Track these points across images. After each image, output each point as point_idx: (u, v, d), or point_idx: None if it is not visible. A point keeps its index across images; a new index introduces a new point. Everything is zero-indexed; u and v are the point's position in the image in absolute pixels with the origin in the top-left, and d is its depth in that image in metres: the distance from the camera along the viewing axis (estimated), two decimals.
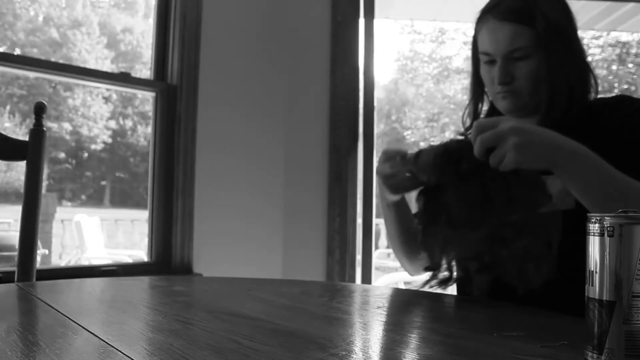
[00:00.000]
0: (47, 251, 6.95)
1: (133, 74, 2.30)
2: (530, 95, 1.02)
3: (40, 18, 11.86)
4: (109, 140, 12.28)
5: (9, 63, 2.06)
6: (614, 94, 1.07)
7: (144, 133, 12.07)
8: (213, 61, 2.37)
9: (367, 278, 2.56)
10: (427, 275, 0.95)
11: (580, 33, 1.04)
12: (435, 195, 0.88)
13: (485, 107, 1.18)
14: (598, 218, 0.53)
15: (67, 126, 11.90)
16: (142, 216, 6.60)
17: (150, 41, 2.41)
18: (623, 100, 1.01)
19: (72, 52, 11.67)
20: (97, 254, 7.00)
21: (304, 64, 2.60)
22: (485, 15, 1.04)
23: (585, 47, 1.05)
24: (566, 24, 1.01)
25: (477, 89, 1.15)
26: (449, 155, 0.84)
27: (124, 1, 12.70)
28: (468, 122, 1.18)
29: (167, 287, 1.11)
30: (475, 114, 1.17)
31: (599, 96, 1.06)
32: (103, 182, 13.09)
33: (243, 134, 2.47)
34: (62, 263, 7.21)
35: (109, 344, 0.60)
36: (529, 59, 0.99)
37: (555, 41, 0.98)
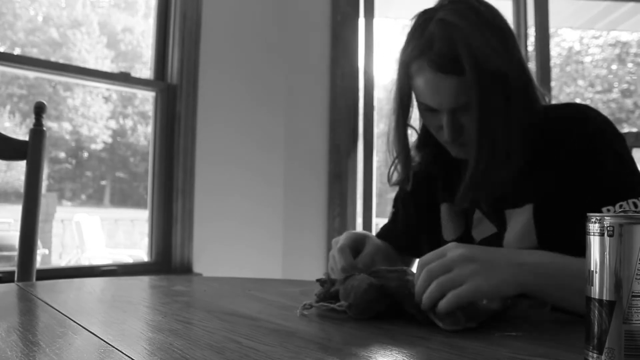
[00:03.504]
0: (47, 251, 6.95)
1: (133, 74, 2.30)
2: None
3: (40, 18, 11.86)
4: (109, 140, 12.28)
5: (9, 63, 2.06)
6: (566, 102, 0.99)
7: (144, 133, 12.07)
8: (213, 61, 2.38)
9: None
10: None
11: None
12: None
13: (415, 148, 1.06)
14: (598, 218, 0.53)
15: (67, 126, 11.90)
16: (142, 216, 6.60)
17: (150, 41, 2.41)
18: (578, 119, 0.92)
19: (72, 52, 11.67)
20: (97, 254, 7.00)
21: (304, 64, 2.60)
22: (417, 61, 0.91)
23: (523, 49, 0.96)
24: (502, 51, 0.89)
25: (404, 139, 1.00)
26: (375, 293, 0.77)
27: (124, 1, 12.69)
28: (395, 178, 1.04)
29: (167, 287, 1.11)
30: (407, 171, 1.02)
31: (556, 102, 1.00)
32: (103, 182, 13.09)
33: (243, 134, 2.47)
34: (62, 263, 7.22)
35: (109, 344, 0.60)
36: (472, 109, 0.89)
37: (491, 88, 0.87)
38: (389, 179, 1.05)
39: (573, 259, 0.77)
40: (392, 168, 1.03)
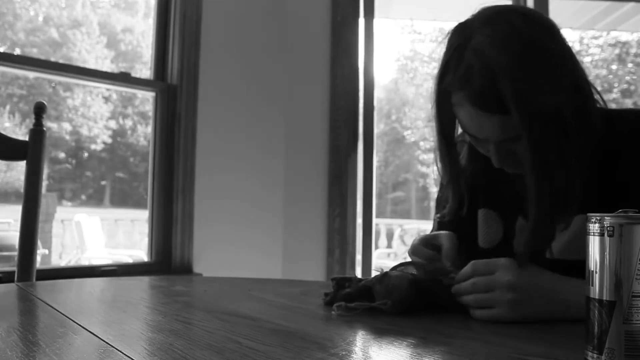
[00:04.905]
0: (47, 251, 6.94)
1: (133, 74, 2.30)
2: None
3: (40, 18, 11.85)
4: (109, 140, 12.27)
5: (9, 63, 2.06)
6: (634, 111, 0.94)
7: (144, 133, 12.06)
8: (213, 61, 2.37)
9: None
10: None
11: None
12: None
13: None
14: (598, 218, 0.53)
15: (67, 126, 11.89)
16: (142, 216, 6.59)
17: (150, 41, 2.41)
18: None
19: (72, 52, 11.66)
20: (97, 254, 6.99)
21: (304, 64, 2.60)
22: (457, 93, 0.84)
23: (578, 59, 0.87)
24: (550, 80, 0.80)
25: (455, 168, 0.96)
26: (418, 291, 0.81)
27: (124, 1, 12.69)
28: (446, 213, 1.01)
29: (167, 287, 1.11)
30: (460, 203, 0.98)
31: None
32: (103, 182, 13.09)
33: (243, 134, 2.47)
34: (62, 263, 7.20)
35: (109, 344, 0.60)
36: (523, 146, 0.81)
37: (541, 126, 0.79)
38: (438, 207, 1.01)
39: None
40: (440, 194, 1.00)
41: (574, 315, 0.74)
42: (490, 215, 1.01)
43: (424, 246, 0.94)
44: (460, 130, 0.95)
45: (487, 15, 0.85)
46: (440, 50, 0.87)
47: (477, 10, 0.87)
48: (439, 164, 0.95)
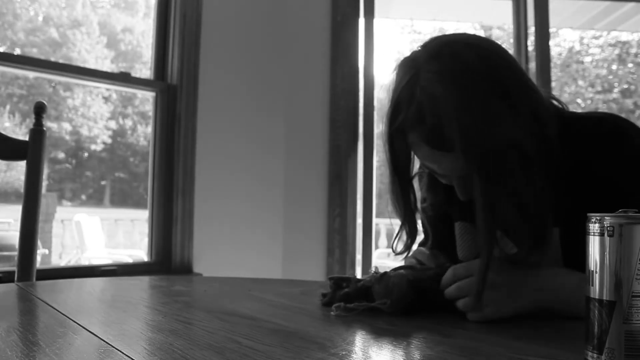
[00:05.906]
0: (47, 251, 6.94)
1: (133, 74, 2.30)
2: None
3: (40, 18, 11.85)
4: (109, 140, 12.27)
5: (9, 63, 2.06)
6: (601, 116, 0.88)
7: (144, 133, 12.06)
8: (213, 61, 2.38)
9: None
10: None
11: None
12: None
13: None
14: (598, 218, 0.53)
15: (67, 126, 11.89)
16: (142, 216, 6.59)
17: (150, 41, 2.41)
18: (612, 141, 0.84)
19: (72, 52, 11.67)
20: (97, 254, 6.99)
21: (304, 64, 2.60)
22: (411, 133, 0.81)
23: (532, 84, 0.83)
24: (500, 114, 0.76)
25: (408, 208, 0.90)
26: (413, 289, 0.82)
27: (124, 1, 12.69)
28: (400, 248, 0.94)
29: (167, 287, 1.11)
30: (414, 236, 0.93)
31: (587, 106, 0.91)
32: (103, 182, 13.09)
33: (243, 134, 2.47)
34: (62, 263, 7.20)
35: (109, 344, 0.60)
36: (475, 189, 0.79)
37: (488, 160, 0.75)
38: (394, 248, 0.95)
39: None
40: (397, 237, 0.94)
41: (568, 299, 0.76)
42: (466, 228, 1.00)
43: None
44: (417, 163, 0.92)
45: (433, 48, 0.81)
46: (389, 84, 0.84)
47: (424, 42, 0.84)
48: (393, 204, 0.91)
